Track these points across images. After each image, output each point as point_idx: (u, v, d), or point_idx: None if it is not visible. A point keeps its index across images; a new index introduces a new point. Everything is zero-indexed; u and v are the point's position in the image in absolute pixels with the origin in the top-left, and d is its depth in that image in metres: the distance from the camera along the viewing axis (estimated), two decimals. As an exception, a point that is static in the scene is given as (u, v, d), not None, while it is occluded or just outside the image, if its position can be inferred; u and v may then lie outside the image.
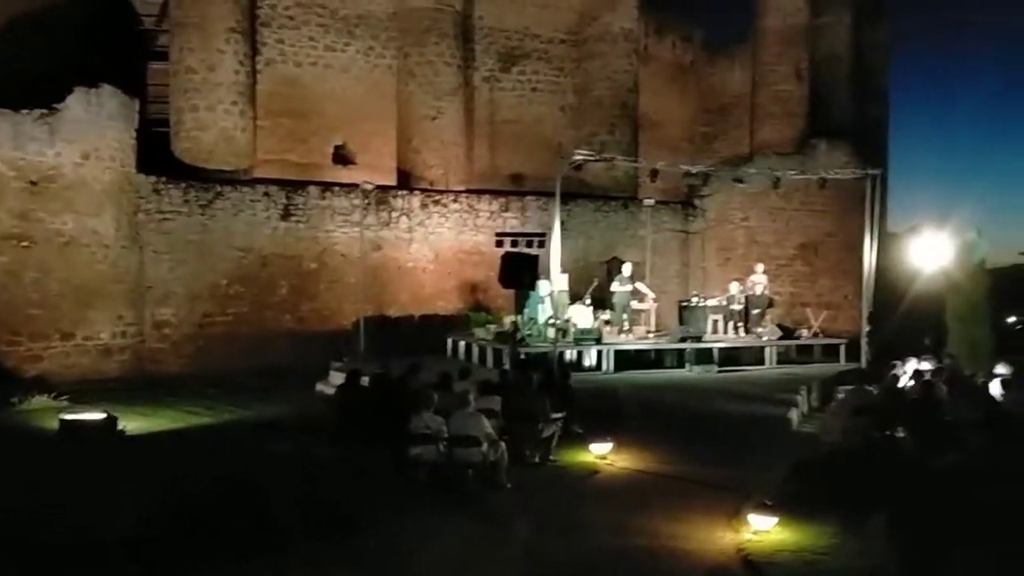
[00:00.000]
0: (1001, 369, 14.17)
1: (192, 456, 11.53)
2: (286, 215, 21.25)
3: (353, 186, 21.52)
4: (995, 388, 12.76)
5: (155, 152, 20.78)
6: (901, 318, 21.63)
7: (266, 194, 21.19)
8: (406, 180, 24.08)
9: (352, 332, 20.17)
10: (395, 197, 22.58)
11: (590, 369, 17.51)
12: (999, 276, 26.43)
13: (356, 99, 25.55)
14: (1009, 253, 32.36)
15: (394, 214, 22.34)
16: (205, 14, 22.12)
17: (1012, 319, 28.67)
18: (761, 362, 19.21)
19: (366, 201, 21.32)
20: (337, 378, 15.52)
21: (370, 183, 21.09)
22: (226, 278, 20.63)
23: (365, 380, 12.17)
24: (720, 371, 18.04)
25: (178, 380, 18.38)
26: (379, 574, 7.45)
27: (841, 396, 13.13)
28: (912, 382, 13.30)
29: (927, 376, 12.96)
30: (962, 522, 8.24)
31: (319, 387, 16.96)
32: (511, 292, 17.14)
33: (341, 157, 25.47)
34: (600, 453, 11.33)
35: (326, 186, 22.19)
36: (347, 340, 20.12)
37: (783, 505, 8.61)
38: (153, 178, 20.05)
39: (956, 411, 11.61)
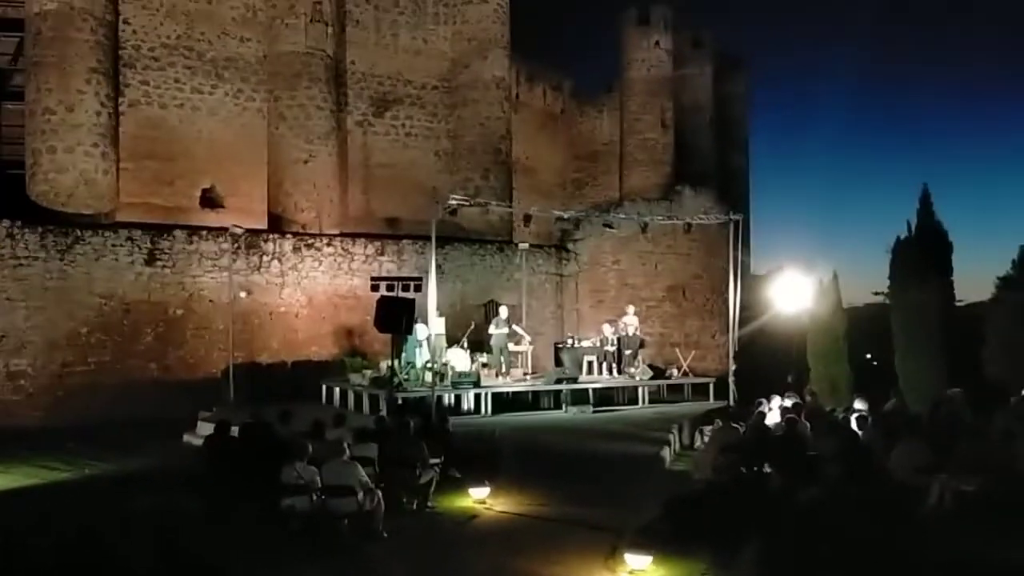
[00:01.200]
0: (859, 404, 14.93)
1: (44, 513, 10.84)
2: (151, 260, 20.52)
3: (222, 230, 20.99)
4: (853, 423, 13.39)
5: (9, 195, 19.77)
6: (763, 356, 22.50)
7: (130, 238, 20.43)
8: (278, 224, 23.66)
9: (221, 380, 19.55)
10: (266, 241, 22.13)
11: (468, 412, 17.47)
12: (855, 315, 27.90)
13: (225, 142, 25.05)
14: (864, 293, 34.17)
15: (265, 258, 21.88)
16: (64, 54, 21.35)
17: (868, 356, 30.21)
18: (634, 402, 19.60)
19: (236, 245, 20.83)
20: (205, 428, 14.97)
21: (240, 227, 20.64)
22: (87, 326, 19.71)
23: (234, 430, 11.77)
24: (595, 411, 18.29)
25: (35, 433, 17.32)
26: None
27: (710, 434, 13.51)
28: (777, 419, 13.83)
29: (790, 413, 13.50)
30: (825, 552, 8.57)
31: (187, 438, 16.30)
32: (388, 336, 17.00)
33: (209, 200, 24.85)
34: (478, 497, 11.26)
35: (193, 230, 21.57)
36: (216, 389, 19.47)
37: (657, 543, 8.74)
38: (7, 222, 19.06)
39: (818, 446, 12.12)
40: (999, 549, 8.61)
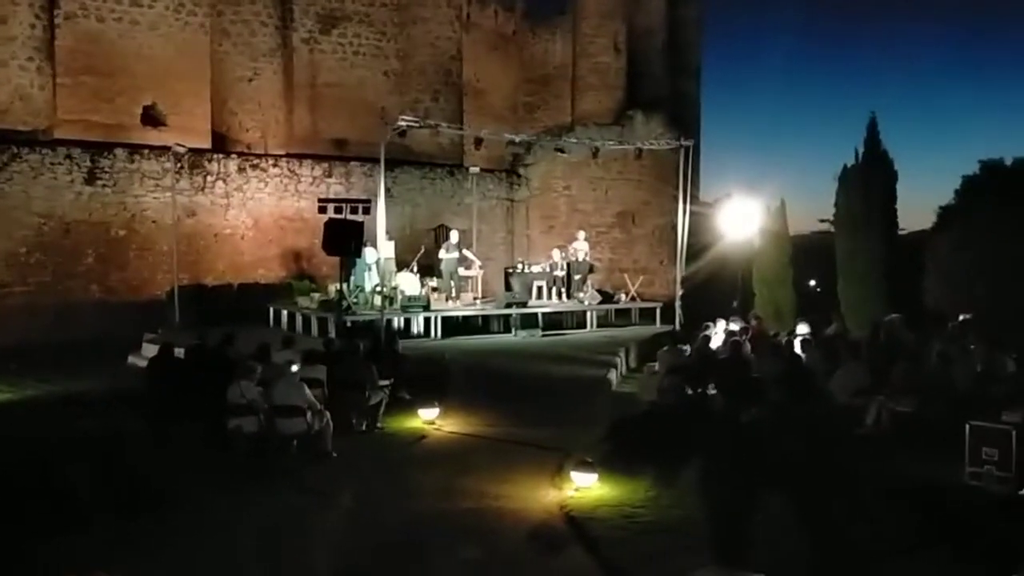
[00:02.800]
0: (802, 328, 15.24)
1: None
2: (91, 179, 19.95)
3: (164, 149, 20.44)
4: (796, 346, 13.67)
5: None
6: (710, 281, 22.78)
7: (68, 156, 19.80)
8: (222, 143, 23.09)
9: (166, 302, 19.27)
10: (210, 161, 21.62)
11: (418, 336, 17.50)
12: (801, 242, 28.31)
13: (166, 58, 24.23)
14: (810, 220, 34.61)
15: (209, 178, 21.41)
16: (-6, -39, 20.35)
17: (812, 283, 30.77)
18: (583, 326, 19.78)
19: (179, 165, 20.32)
20: (150, 350, 14.76)
21: (182, 146, 20.10)
22: (25, 246, 19.20)
23: (179, 351, 11.65)
24: (544, 335, 18.43)
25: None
26: (192, 550, 7.14)
27: (657, 357, 13.70)
28: (722, 342, 14.07)
29: (735, 336, 13.74)
30: (765, 470, 8.82)
31: (131, 360, 16.10)
32: (336, 260, 16.84)
33: (151, 118, 24.12)
34: (428, 418, 11.36)
35: (135, 148, 20.97)
36: (161, 311, 19.20)
37: (603, 462, 8.92)
38: (-63, 138, 18.37)
39: (761, 368, 12.38)
40: (930, 467, 8.93)
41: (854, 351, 12.71)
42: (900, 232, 25.90)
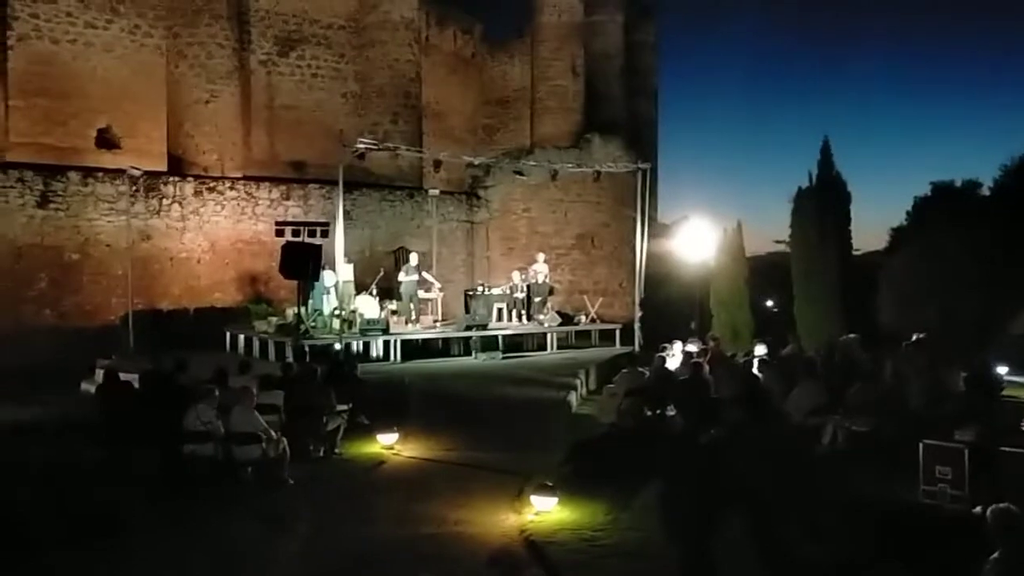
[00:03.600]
0: (759, 349, 15.39)
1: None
2: (44, 202, 19.58)
3: (119, 172, 20.14)
4: (754, 367, 13.81)
5: None
6: (669, 303, 22.96)
7: (20, 180, 19.42)
8: (178, 166, 22.81)
9: (120, 327, 18.95)
10: (166, 184, 21.34)
11: (377, 360, 17.39)
12: (758, 263, 28.67)
13: (121, 80, 23.96)
14: (765, 241, 35.08)
15: (165, 201, 21.13)
16: (-57, -19, 20.04)
17: (769, 303, 31.14)
18: (543, 348, 19.80)
19: (134, 188, 20.03)
20: (103, 376, 14.50)
21: (138, 168, 19.82)
22: (-26, 271, 18.79)
23: (132, 377, 11.47)
24: (504, 357, 18.42)
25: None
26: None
27: (616, 379, 13.74)
28: (680, 364, 14.16)
29: (693, 358, 13.83)
30: (724, 491, 8.86)
31: (84, 386, 15.77)
32: (294, 283, 16.71)
33: (105, 141, 23.81)
34: (386, 444, 11.27)
35: (88, 171, 20.62)
36: (115, 336, 18.87)
37: (563, 485, 8.90)
38: None
39: (719, 389, 12.47)
40: (885, 486, 9.03)
41: (810, 371, 12.84)
42: (854, 253, 26.32)
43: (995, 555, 5.03)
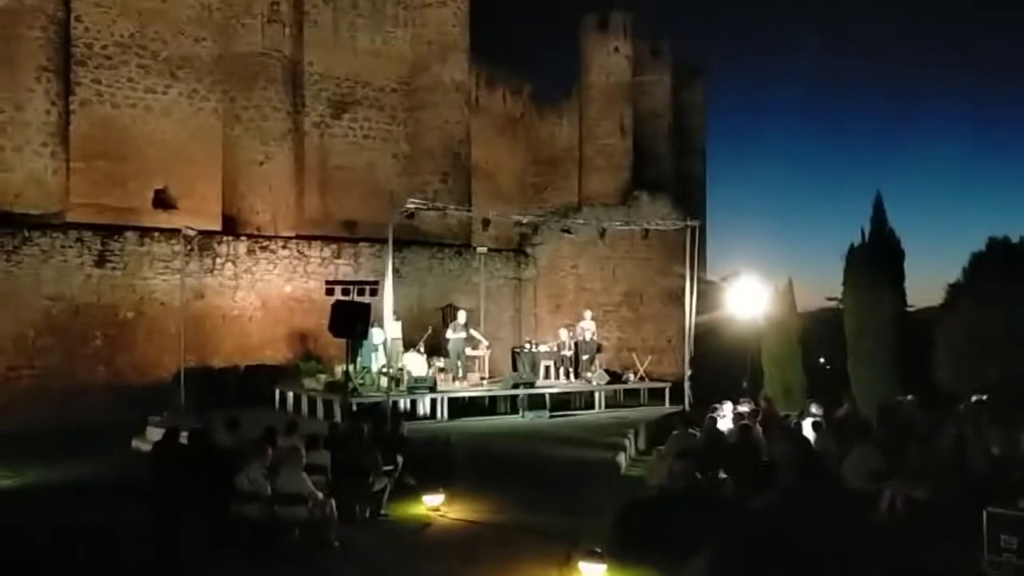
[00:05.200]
0: (813, 409, 15.03)
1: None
2: (101, 262, 20.09)
3: (174, 231, 20.62)
4: (807, 428, 13.49)
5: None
6: (719, 361, 22.63)
7: (79, 239, 19.99)
8: (232, 226, 23.32)
9: (172, 385, 19.20)
10: (220, 243, 21.79)
11: (424, 418, 17.36)
12: (810, 320, 28.20)
13: (178, 142, 24.65)
14: (818, 298, 34.62)
15: (219, 260, 21.55)
16: (13, 51, 20.86)
17: (821, 360, 30.53)
18: (591, 406, 19.61)
19: (188, 247, 20.50)
20: (155, 434, 14.63)
21: (192, 228, 20.29)
22: (33, 328, 19.23)
23: (184, 436, 11.54)
24: (552, 416, 18.27)
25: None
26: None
27: (667, 440, 13.50)
28: (731, 425, 13.89)
29: (745, 419, 13.57)
30: (777, 559, 8.59)
31: (135, 444, 15.95)
32: (343, 341, 16.80)
33: (162, 201, 24.43)
34: (432, 505, 11.15)
35: (145, 231, 21.17)
36: (167, 393, 19.12)
37: (612, 551, 8.71)
38: (-48, 223, 18.56)
39: (772, 452, 12.19)
40: (947, 555, 8.71)
41: (866, 433, 12.50)
42: (909, 309, 25.79)
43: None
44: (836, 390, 20.90)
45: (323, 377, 18.55)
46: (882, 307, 22.47)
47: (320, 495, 9.47)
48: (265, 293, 22.08)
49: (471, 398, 18.54)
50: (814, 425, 13.42)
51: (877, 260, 22.86)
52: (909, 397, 15.76)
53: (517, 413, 18.33)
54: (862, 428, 12.97)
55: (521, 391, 18.64)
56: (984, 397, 16.49)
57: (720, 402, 15.41)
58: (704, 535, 9.54)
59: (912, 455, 11.22)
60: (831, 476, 11.55)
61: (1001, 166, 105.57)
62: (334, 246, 23.40)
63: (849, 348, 23.24)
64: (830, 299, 31.51)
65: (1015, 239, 27.55)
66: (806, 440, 12.71)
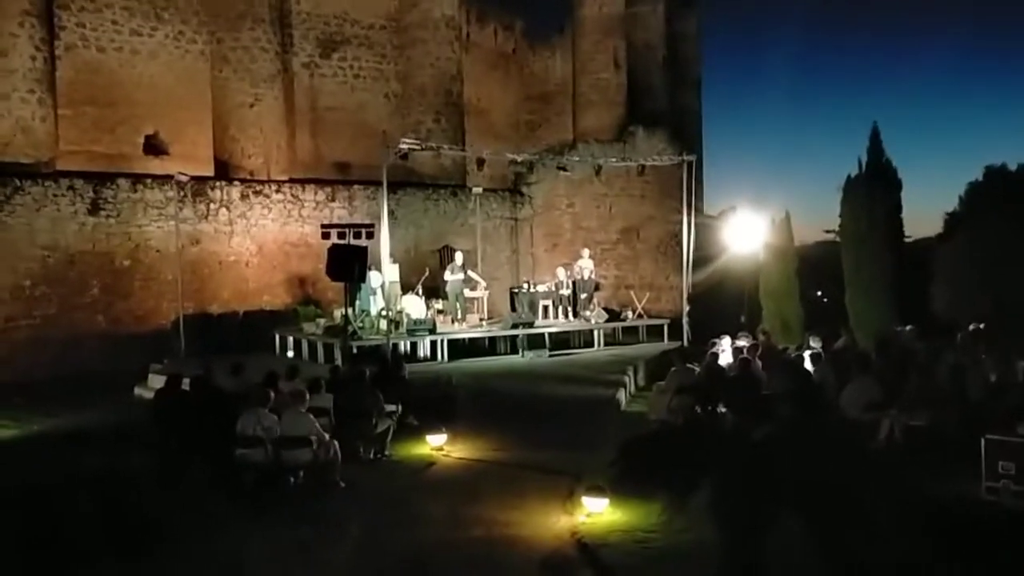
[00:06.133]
0: (812, 342, 15.11)
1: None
2: (94, 210, 19.92)
3: (167, 178, 20.45)
4: (806, 361, 13.56)
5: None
6: (717, 296, 22.65)
7: (71, 188, 19.79)
8: (224, 170, 23.08)
9: (171, 332, 19.23)
10: (213, 188, 21.60)
11: (424, 360, 17.42)
12: (807, 253, 28.18)
13: (167, 86, 24.28)
14: (814, 231, 34.53)
15: (213, 206, 21.39)
16: (-6, -5, 20.42)
17: (819, 293, 30.59)
18: (590, 345, 19.69)
19: (181, 193, 20.33)
20: (156, 381, 14.70)
21: (185, 174, 20.12)
22: (30, 279, 19.14)
23: (186, 382, 11.58)
24: (551, 355, 18.35)
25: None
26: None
27: (666, 376, 13.58)
28: (730, 359, 13.96)
29: (744, 353, 13.63)
30: (778, 490, 8.69)
31: (137, 391, 16.03)
32: (341, 284, 16.78)
33: (153, 147, 24.16)
34: (436, 445, 11.25)
35: (137, 178, 20.95)
36: (166, 340, 19.15)
37: (614, 486, 8.80)
38: (-61, 174, 18.35)
39: (771, 385, 12.27)
40: (945, 482, 8.81)
41: (864, 365, 12.56)
42: (906, 240, 25.74)
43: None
44: (834, 322, 20.98)
45: (322, 321, 18.56)
46: (879, 239, 22.43)
47: (324, 437, 9.53)
48: (261, 238, 21.97)
49: (471, 339, 18.59)
50: (813, 357, 13.49)
51: (874, 191, 22.74)
52: (907, 327, 15.81)
53: (517, 353, 18.40)
54: (860, 359, 13.02)
55: (520, 331, 18.69)
56: (981, 326, 16.57)
57: (719, 337, 15.48)
58: (705, 468, 9.65)
59: (910, 385, 11.30)
60: (830, 407, 11.65)
61: (998, 95, 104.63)
62: (328, 189, 23.23)
63: (847, 280, 23.25)
64: (828, 231, 31.39)
65: (1012, 167, 27.39)
66: (805, 372, 12.78)
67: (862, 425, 10.88)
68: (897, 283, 22.08)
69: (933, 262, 25.38)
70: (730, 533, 7.77)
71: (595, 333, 19.83)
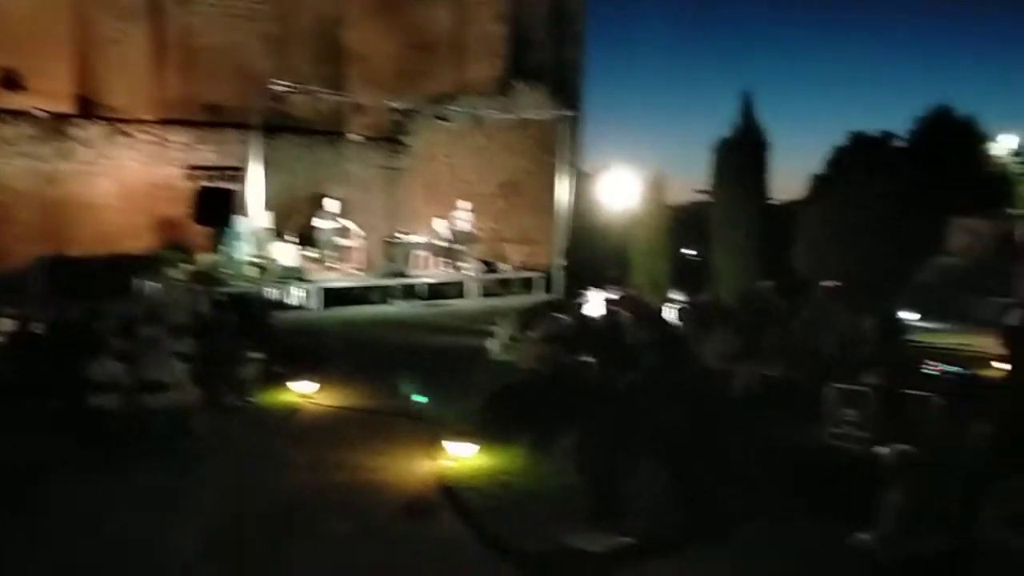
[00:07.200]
0: (678, 296, 15.61)
1: None
2: (-58, 146, 18.66)
3: (23, 114, 19.27)
4: (671, 314, 14.00)
5: None
6: (591, 251, 23.04)
7: (-84, 123, 18.46)
8: (87, 109, 21.90)
9: (27, 275, 18.25)
10: (73, 126, 20.49)
11: (294, 308, 17.13)
12: (679, 213, 28.92)
13: (24, 16, 22.72)
14: (687, 190, 35.24)
15: (74, 145, 20.30)
16: None
17: (689, 251, 31.50)
18: (465, 296, 19.74)
19: (39, 131, 19.20)
20: (7, 325, 13.95)
21: (44, 110, 19.01)
22: None
23: (39, 327, 11.06)
24: (425, 305, 18.33)
25: None
26: (55, 538, 6.80)
27: (537, 326, 13.78)
28: (600, 311, 14.26)
29: (612, 305, 13.95)
30: (639, 436, 8.95)
31: (-14, 337, 15.18)
32: (208, 230, 16.26)
33: (9, 81, 22.56)
34: (302, 392, 11.11)
35: (-10, 113, 19.70)
36: (20, 284, 18.17)
37: (480, 432, 8.90)
38: None
39: (637, 336, 12.60)
40: (797, 430, 9.27)
41: (726, 319, 13.06)
42: (773, 203, 26.71)
43: (893, 493, 5.18)
44: (701, 279, 21.68)
45: (188, 267, 18.00)
46: (746, 200, 23.20)
47: (184, 383, 9.28)
48: (124, 180, 20.96)
49: (343, 288, 18.36)
50: (678, 311, 13.94)
51: (743, 154, 23.46)
52: (767, 284, 16.45)
53: (390, 303, 18.30)
54: (722, 313, 13.53)
55: (394, 281, 18.58)
56: (836, 283, 17.37)
57: (590, 289, 15.78)
58: (571, 415, 9.84)
59: (768, 338, 11.82)
60: (692, 358, 12.07)
61: (865, 62, 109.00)
62: (197, 131, 22.33)
63: (714, 239, 24.01)
64: (699, 191, 32.24)
65: (874, 133, 28.67)
66: (669, 324, 13.18)
67: (722, 375, 11.33)
68: (762, 243, 22.93)
69: (797, 223, 26.49)
70: (592, 476, 7.96)
71: (470, 284, 19.89)
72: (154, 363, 9.26)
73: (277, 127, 22.45)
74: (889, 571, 4.80)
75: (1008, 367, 10.62)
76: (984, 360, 12.03)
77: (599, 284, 16.96)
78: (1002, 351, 10.82)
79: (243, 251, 17.46)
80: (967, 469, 5.63)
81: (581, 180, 26.14)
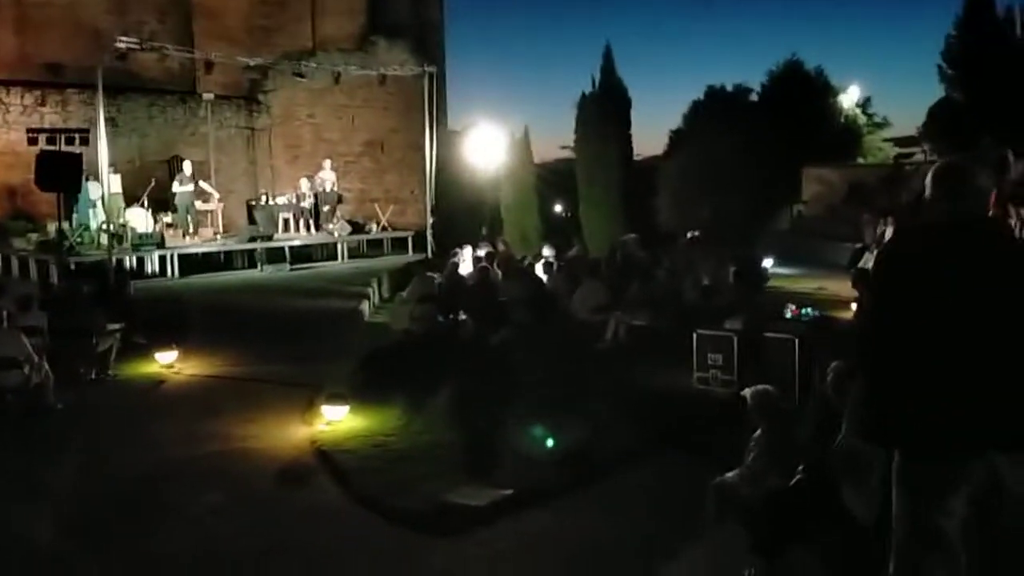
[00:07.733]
0: (546, 252, 15.81)
1: None
2: None
3: None
4: (540, 269, 14.15)
5: None
6: (460, 209, 23.03)
7: None
8: (-89, 68, 20.25)
9: None
10: (-102, 88, 18.92)
11: (153, 276, 16.45)
12: (546, 169, 29.21)
13: None
14: (554, 148, 35.65)
15: None
16: None
17: (558, 208, 31.93)
18: (333, 258, 19.42)
19: None
20: None
21: None
22: None
23: None
24: (292, 269, 17.94)
25: None
26: None
27: (408, 286, 13.69)
28: (471, 268, 14.29)
29: (483, 262, 14.00)
30: (512, 389, 9.06)
31: None
32: (55, 196, 15.35)
33: None
34: (165, 363, 10.71)
35: None
36: None
37: (354, 394, 8.80)
38: None
39: (508, 292, 12.71)
40: (664, 375, 9.56)
41: (593, 271, 13.31)
42: (636, 158, 27.28)
43: (756, 433, 5.39)
44: (569, 234, 21.98)
45: (35, 236, 17.01)
46: (610, 155, 23.62)
47: (35, 358, 8.78)
48: (-42, 145, 19.58)
49: (204, 254, 17.75)
50: (546, 265, 14.11)
51: (606, 109, 23.81)
52: (632, 236, 16.85)
53: (255, 268, 17.81)
54: (590, 267, 13.79)
55: (258, 244, 18.07)
56: (697, 234, 17.97)
57: (460, 247, 15.77)
58: (445, 373, 9.86)
59: (633, 289, 12.12)
60: (562, 311, 12.28)
61: (720, 18, 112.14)
62: (37, 92, 20.99)
63: (580, 194, 24.38)
64: (564, 148, 32.63)
65: (729, 87, 29.55)
66: (539, 279, 13.34)
67: (591, 326, 11.57)
68: (626, 196, 23.45)
69: (658, 177, 27.14)
70: (466, 432, 8.00)
71: (338, 246, 19.54)
72: (1, 338, 8.71)
73: (125, 87, 21.33)
74: (753, 508, 5.00)
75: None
76: (836, 302, 12.69)
77: (470, 242, 16.94)
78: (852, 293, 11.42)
79: (95, 218, 16.59)
80: (822, 405, 5.90)
81: (448, 138, 25.97)
